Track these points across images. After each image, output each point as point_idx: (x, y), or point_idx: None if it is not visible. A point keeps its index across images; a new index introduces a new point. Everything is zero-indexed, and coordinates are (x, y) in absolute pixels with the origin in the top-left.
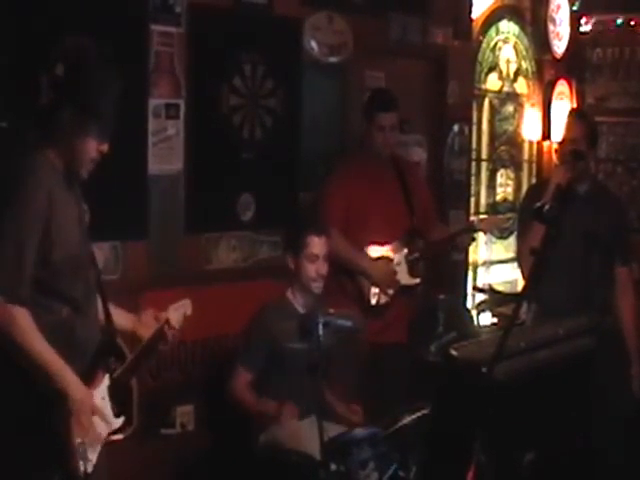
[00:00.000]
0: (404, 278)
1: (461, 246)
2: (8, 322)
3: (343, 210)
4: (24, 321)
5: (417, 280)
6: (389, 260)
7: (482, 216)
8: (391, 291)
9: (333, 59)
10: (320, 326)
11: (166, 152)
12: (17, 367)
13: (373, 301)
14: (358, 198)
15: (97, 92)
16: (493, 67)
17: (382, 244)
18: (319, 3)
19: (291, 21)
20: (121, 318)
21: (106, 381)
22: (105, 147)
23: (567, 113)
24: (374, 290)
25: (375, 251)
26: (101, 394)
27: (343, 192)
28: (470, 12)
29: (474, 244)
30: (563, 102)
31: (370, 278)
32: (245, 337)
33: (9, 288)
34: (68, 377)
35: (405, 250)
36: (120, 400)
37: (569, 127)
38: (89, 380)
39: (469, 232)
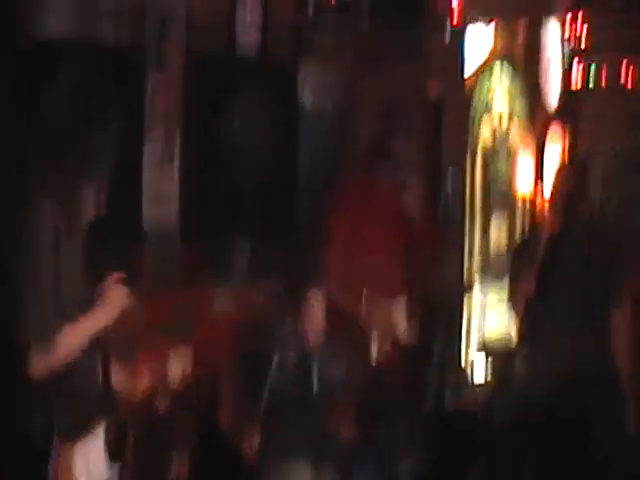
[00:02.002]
0: (402, 327)
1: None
2: (60, 357)
3: (342, 255)
4: (66, 343)
5: (416, 329)
6: (388, 310)
7: (476, 259)
8: (390, 340)
9: (326, 104)
10: (316, 367)
11: (161, 198)
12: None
13: (373, 350)
14: (357, 243)
15: (96, 144)
16: (486, 114)
17: (381, 291)
18: (313, 52)
19: (285, 66)
20: (119, 372)
21: (104, 428)
22: (104, 206)
23: (558, 158)
24: (374, 339)
25: (373, 300)
26: (98, 443)
27: (342, 241)
28: (463, 60)
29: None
30: (556, 145)
31: (371, 327)
32: (235, 356)
33: (40, 343)
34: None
35: (404, 298)
36: (117, 448)
37: (560, 171)
38: (88, 428)
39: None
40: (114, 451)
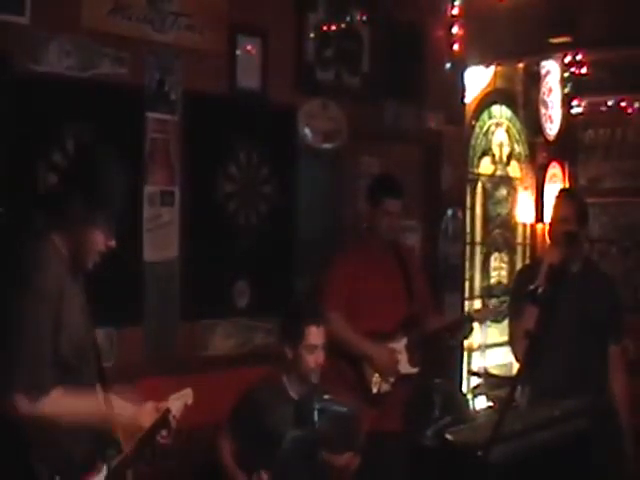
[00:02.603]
0: (404, 367)
1: (459, 336)
2: (43, 415)
3: (345, 295)
4: (56, 406)
5: (416, 369)
6: (391, 348)
7: (477, 300)
8: (392, 379)
9: (327, 145)
10: (315, 412)
11: (161, 239)
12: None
13: (374, 389)
14: (360, 283)
15: (109, 187)
16: (486, 151)
17: (382, 331)
18: (313, 90)
19: (286, 108)
20: (123, 408)
21: (104, 470)
22: (113, 242)
23: (556, 193)
24: (375, 378)
25: (377, 338)
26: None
27: (346, 277)
28: (463, 97)
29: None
30: (556, 185)
31: (374, 365)
32: (234, 411)
33: (34, 387)
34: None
35: (405, 339)
36: None
37: (559, 207)
38: (88, 468)
39: (465, 322)
40: None
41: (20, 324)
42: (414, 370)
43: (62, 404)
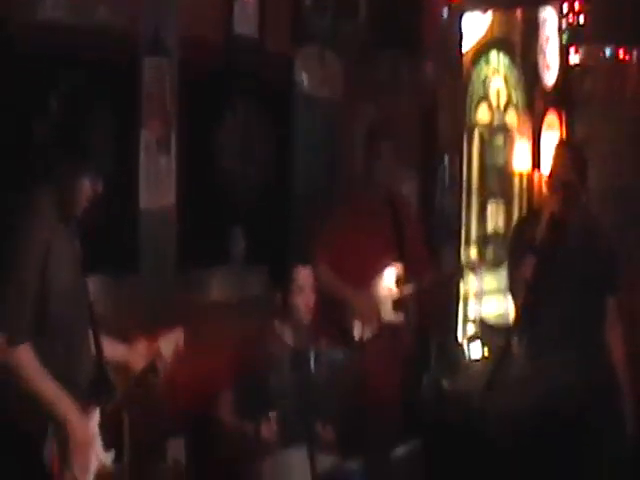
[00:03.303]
0: (387, 314)
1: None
2: (14, 364)
3: (335, 246)
4: (28, 360)
5: (401, 318)
6: (373, 295)
7: (472, 249)
8: (374, 325)
9: (324, 93)
10: (312, 359)
11: (158, 186)
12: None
13: (356, 335)
14: (351, 235)
15: (92, 132)
16: (483, 99)
17: (368, 281)
18: (310, 38)
19: (282, 55)
20: (113, 348)
21: (97, 415)
22: (99, 186)
23: (556, 144)
24: (357, 324)
25: (363, 285)
26: (94, 428)
27: (337, 229)
28: (460, 45)
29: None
30: (553, 132)
31: (353, 309)
32: (233, 366)
33: (13, 329)
34: (68, 407)
35: (391, 287)
36: (111, 434)
37: (558, 157)
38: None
39: (457, 274)
40: (110, 436)
41: (4, 274)
42: (399, 318)
43: (31, 365)
